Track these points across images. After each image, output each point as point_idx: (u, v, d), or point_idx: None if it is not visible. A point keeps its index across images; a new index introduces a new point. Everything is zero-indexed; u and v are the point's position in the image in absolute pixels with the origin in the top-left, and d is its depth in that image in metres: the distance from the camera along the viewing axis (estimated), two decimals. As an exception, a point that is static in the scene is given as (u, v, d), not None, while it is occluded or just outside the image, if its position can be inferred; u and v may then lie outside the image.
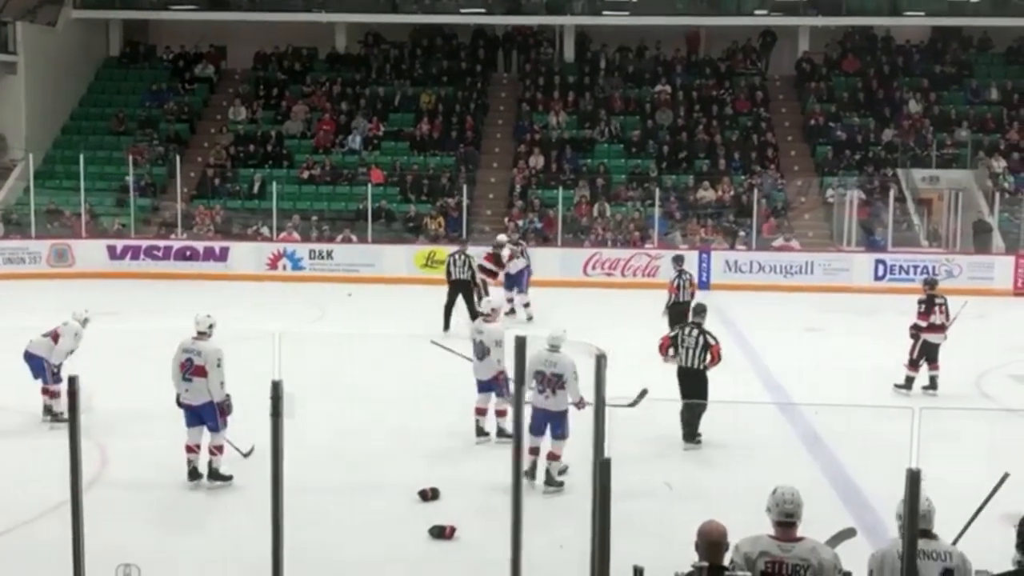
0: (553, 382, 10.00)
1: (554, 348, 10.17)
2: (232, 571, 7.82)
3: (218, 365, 9.73)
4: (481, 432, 11.49)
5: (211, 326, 10.01)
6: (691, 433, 11.46)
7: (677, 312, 15.85)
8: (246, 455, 9.97)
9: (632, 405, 10.93)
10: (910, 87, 29.72)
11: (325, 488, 9.63)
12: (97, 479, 9.58)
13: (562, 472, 10.10)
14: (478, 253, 19.05)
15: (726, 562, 5.24)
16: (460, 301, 17.69)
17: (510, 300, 19.12)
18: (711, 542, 5.28)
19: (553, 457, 10.03)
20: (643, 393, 11.10)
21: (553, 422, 10.01)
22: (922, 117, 28.70)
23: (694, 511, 6.30)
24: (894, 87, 29.77)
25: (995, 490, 6.05)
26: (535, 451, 10.02)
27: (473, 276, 18.01)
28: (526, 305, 19.19)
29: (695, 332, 11.67)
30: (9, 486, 9.81)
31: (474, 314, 16.84)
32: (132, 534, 8.46)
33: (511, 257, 19.36)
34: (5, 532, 8.70)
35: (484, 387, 11.54)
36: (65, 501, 5.60)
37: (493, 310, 12.15)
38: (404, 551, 8.53)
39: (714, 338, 11.67)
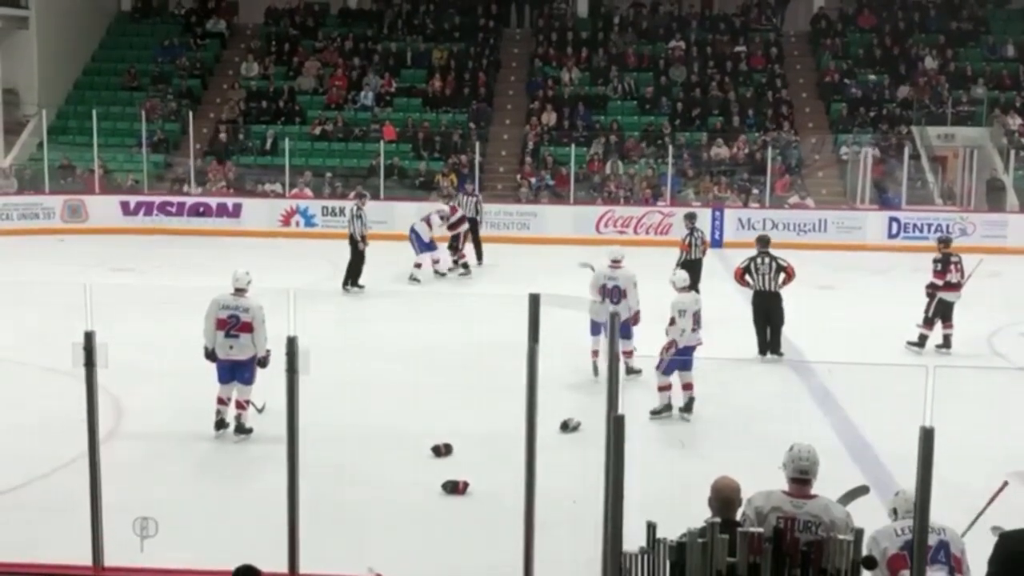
0: (700, 319, 11.21)
1: (685, 290, 11.31)
2: (248, 523, 7.88)
3: (263, 321, 9.87)
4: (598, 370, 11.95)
5: (249, 282, 10.12)
6: (775, 345, 13.05)
7: (689, 270, 15.81)
8: (260, 410, 10.05)
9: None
10: (926, 43, 29.40)
11: (338, 442, 9.68)
12: (113, 432, 9.65)
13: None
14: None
15: (738, 517, 5.27)
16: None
17: (435, 261, 18.81)
18: (724, 498, 5.31)
19: (689, 387, 10.99)
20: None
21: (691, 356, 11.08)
22: (938, 74, 28.43)
23: (707, 467, 6.33)
24: (910, 43, 29.48)
25: (993, 497, 6.10)
26: (689, 387, 10.95)
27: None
28: (435, 261, 18.84)
29: (767, 259, 13.30)
30: (26, 438, 9.89)
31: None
32: (148, 487, 8.53)
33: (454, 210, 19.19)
34: (23, 484, 8.78)
35: (598, 329, 12.00)
36: (82, 454, 5.66)
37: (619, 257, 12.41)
38: (417, 506, 8.58)
39: (785, 260, 13.30)
